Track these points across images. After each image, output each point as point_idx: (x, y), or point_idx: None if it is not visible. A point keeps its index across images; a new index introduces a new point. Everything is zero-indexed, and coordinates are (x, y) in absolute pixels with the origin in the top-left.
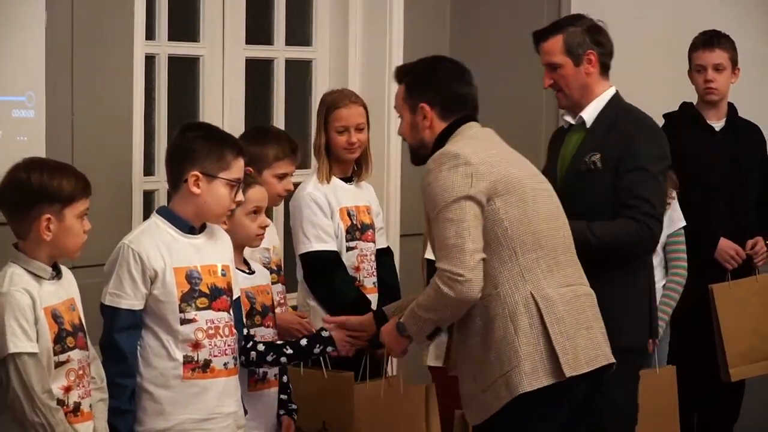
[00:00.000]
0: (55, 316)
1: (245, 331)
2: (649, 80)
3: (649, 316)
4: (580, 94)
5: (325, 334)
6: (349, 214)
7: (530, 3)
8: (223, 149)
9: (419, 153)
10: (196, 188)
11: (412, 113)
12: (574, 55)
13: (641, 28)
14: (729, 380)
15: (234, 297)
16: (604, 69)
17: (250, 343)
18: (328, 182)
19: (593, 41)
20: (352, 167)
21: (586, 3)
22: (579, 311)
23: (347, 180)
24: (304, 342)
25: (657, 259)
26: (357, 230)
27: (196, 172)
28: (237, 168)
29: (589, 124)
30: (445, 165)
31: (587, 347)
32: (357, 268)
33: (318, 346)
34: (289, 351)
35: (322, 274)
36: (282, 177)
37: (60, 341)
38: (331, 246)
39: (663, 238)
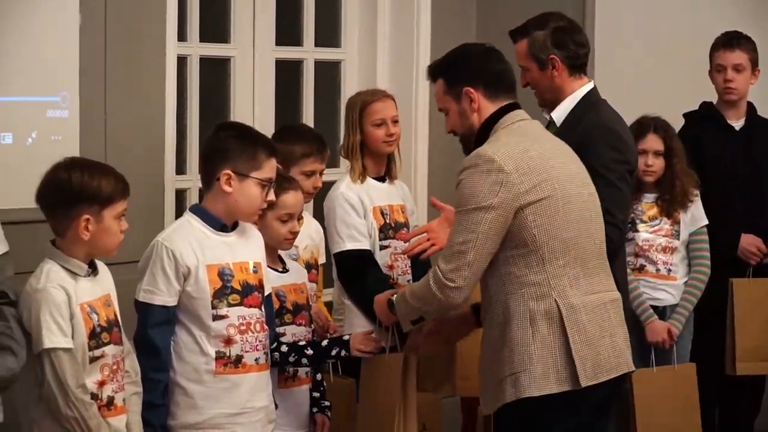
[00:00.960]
0: (91, 312)
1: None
2: (669, 79)
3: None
4: (550, 95)
5: (345, 337)
6: (382, 213)
7: (556, 5)
8: (256, 149)
9: (469, 141)
10: (228, 187)
11: (458, 101)
12: (538, 60)
13: (663, 27)
14: (734, 373)
15: (265, 294)
16: (574, 69)
17: (275, 344)
18: (362, 182)
19: (556, 45)
20: (385, 166)
21: (609, 1)
22: (603, 318)
23: (380, 179)
24: (324, 343)
25: (679, 257)
26: (390, 229)
27: (228, 171)
28: (269, 168)
29: (558, 124)
30: (478, 168)
31: (609, 355)
32: (391, 267)
33: (335, 348)
34: (310, 352)
35: (355, 273)
36: (310, 174)
37: (95, 337)
38: (364, 245)
39: (685, 236)
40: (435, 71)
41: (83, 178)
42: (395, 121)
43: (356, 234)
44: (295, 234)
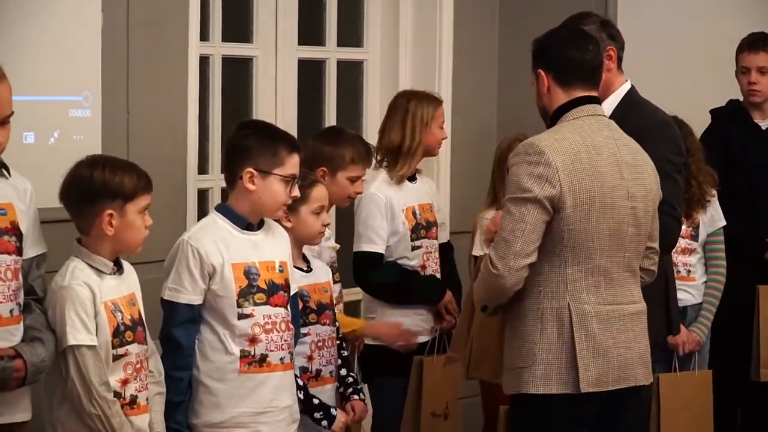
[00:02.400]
0: (115, 311)
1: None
2: (694, 79)
3: (665, 313)
4: (601, 91)
5: (333, 412)
6: (414, 214)
7: (580, 5)
8: (277, 146)
9: (546, 120)
10: (251, 184)
11: (536, 80)
12: None
13: (687, 26)
14: (758, 380)
15: (291, 293)
16: (620, 63)
17: None
18: (400, 182)
19: (609, 36)
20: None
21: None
22: (620, 330)
23: (411, 178)
24: (316, 402)
25: (697, 257)
26: (422, 228)
27: (251, 169)
28: (291, 164)
29: None
30: (528, 157)
31: (618, 367)
32: (423, 266)
33: (320, 412)
34: (300, 396)
35: (363, 272)
36: (355, 179)
37: (119, 335)
38: (378, 248)
39: (703, 237)
40: (533, 45)
41: (105, 174)
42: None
43: (373, 236)
44: (326, 226)
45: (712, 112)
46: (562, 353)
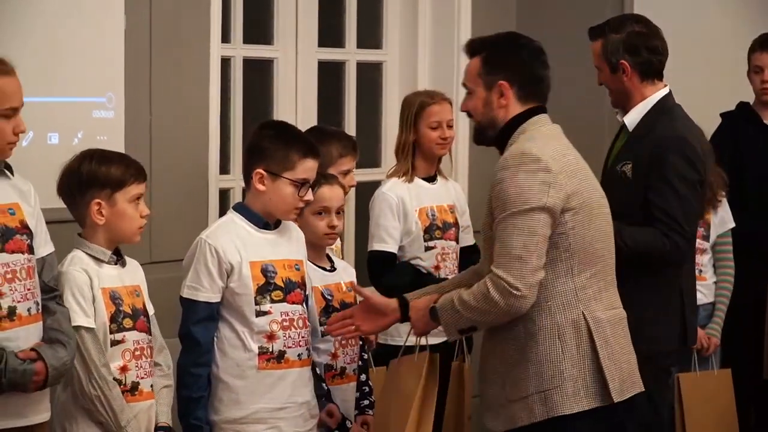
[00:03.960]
0: (114, 297)
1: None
2: (708, 79)
3: (681, 323)
4: (621, 98)
5: (348, 425)
6: (428, 214)
7: (594, 3)
8: (289, 149)
9: (486, 133)
10: (261, 185)
11: (487, 89)
12: (609, 63)
13: (702, 26)
14: None
15: (306, 291)
16: (646, 75)
17: None
18: (411, 182)
19: (629, 50)
20: (436, 167)
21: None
22: (621, 335)
23: (430, 179)
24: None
25: (707, 257)
26: (437, 229)
27: (260, 170)
28: (303, 169)
29: (630, 129)
30: (523, 166)
31: (632, 372)
32: (437, 267)
33: (323, 398)
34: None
35: (377, 272)
36: (346, 173)
37: (116, 321)
38: (390, 247)
39: (714, 238)
40: (477, 48)
41: (92, 165)
42: (450, 126)
43: (385, 236)
44: (333, 228)
45: (723, 115)
46: (586, 365)
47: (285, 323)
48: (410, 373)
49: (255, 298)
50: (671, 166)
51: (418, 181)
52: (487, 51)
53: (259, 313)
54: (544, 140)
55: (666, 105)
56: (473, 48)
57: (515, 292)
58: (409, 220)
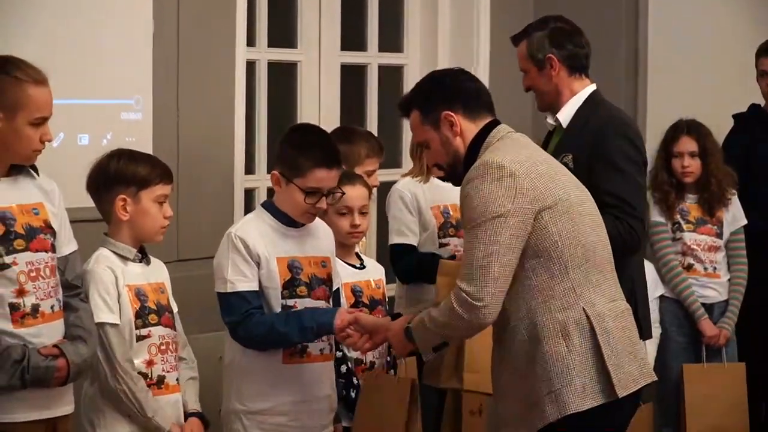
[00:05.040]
0: (139, 294)
1: None
2: (722, 81)
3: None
4: (551, 97)
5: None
6: (442, 212)
7: (611, 5)
8: (301, 157)
9: (457, 170)
10: (278, 186)
11: (437, 129)
12: (535, 60)
13: (716, 28)
14: None
15: (334, 288)
16: (574, 70)
17: None
18: (426, 181)
19: (553, 44)
20: None
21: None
22: (625, 327)
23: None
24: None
25: (721, 255)
26: (451, 227)
27: (276, 172)
28: (314, 178)
29: (565, 125)
30: (488, 176)
31: (638, 364)
32: None
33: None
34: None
35: (399, 262)
36: (370, 173)
37: (141, 317)
38: (410, 240)
39: (727, 235)
40: (406, 104)
41: (120, 163)
42: None
43: (404, 229)
44: (356, 227)
45: (735, 116)
46: (591, 362)
47: None
48: (393, 397)
49: (282, 292)
50: (616, 148)
51: (434, 180)
52: (417, 98)
53: (285, 308)
54: (506, 148)
55: (597, 98)
56: (404, 105)
57: (477, 303)
58: (424, 216)
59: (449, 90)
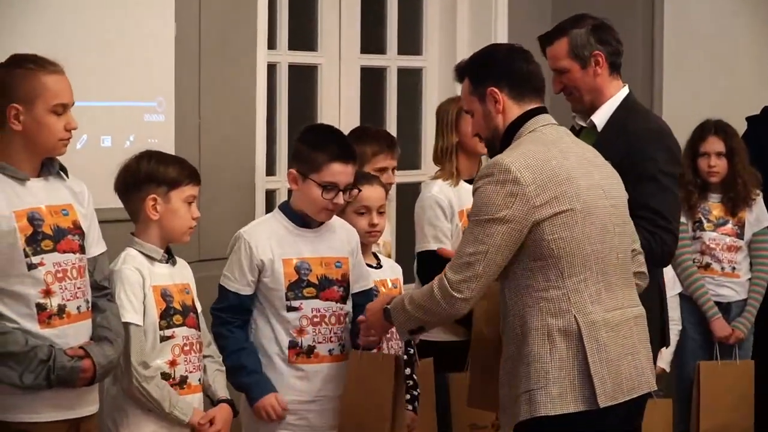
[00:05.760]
0: (165, 295)
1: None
2: (738, 82)
3: (660, 325)
4: (590, 97)
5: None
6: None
7: (627, 6)
8: (316, 152)
9: (494, 144)
10: (294, 185)
11: (482, 102)
12: (579, 58)
13: (732, 29)
14: None
15: (358, 289)
16: (614, 68)
17: None
18: (457, 184)
19: (598, 41)
20: (478, 167)
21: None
22: (626, 336)
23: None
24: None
25: (742, 255)
26: None
27: (292, 170)
28: (329, 172)
29: (600, 128)
30: (494, 177)
31: (631, 375)
32: None
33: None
34: None
35: (433, 271)
36: (382, 171)
37: (166, 317)
38: (447, 247)
39: (749, 236)
40: (461, 70)
41: (150, 164)
42: None
43: (441, 236)
44: (374, 227)
45: (749, 118)
46: (574, 369)
47: (315, 319)
48: (379, 373)
49: (286, 293)
50: (653, 160)
51: (462, 184)
52: (471, 67)
53: (290, 309)
54: (528, 147)
55: (631, 102)
56: (459, 71)
57: (456, 294)
58: (454, 221)
59: (500, 67)
